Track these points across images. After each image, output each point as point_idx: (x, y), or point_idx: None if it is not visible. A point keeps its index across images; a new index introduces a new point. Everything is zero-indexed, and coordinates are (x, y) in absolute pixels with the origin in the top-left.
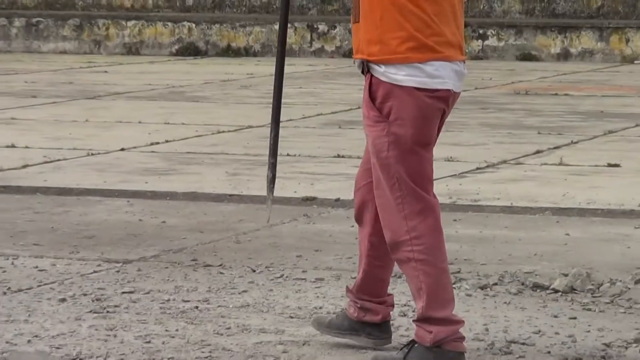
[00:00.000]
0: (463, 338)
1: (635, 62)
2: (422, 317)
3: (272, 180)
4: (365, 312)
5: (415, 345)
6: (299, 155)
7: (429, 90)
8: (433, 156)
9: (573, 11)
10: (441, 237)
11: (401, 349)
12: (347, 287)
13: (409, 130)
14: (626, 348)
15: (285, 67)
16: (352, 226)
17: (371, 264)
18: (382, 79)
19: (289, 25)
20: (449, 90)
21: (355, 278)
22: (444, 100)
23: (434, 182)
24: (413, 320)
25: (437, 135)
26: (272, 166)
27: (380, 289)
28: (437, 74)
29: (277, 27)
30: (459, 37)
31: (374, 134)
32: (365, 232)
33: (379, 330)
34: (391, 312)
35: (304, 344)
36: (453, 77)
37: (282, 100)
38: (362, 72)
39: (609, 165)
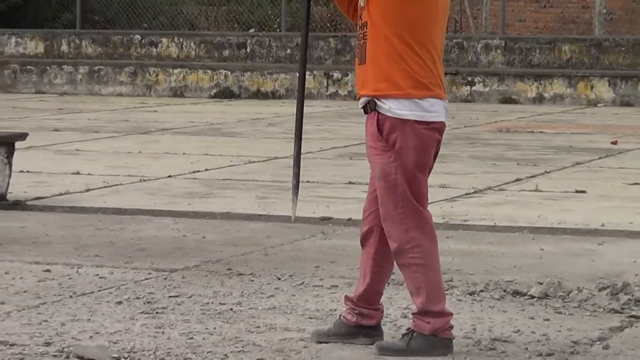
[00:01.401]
0: (452, 327)
1: (599, 105)
2: (422, 310)
3: (296, 186)
4: (362, 317)
5: (415, 334)
6: (317, 182)
7: (427, 122)
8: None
9: (546, 62)
10: (435, 244)
11: (402, 338)
12: (345, 296)
13: (412, 157)
14: (591, 345)
15: (305, 108)
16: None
17: (374, 279)
18: (388, 114)
19: (308, 72)
20: (441, 122)
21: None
22: (438, 130)
23: (430, 204)
24: (412, 313)
25: (433, 162)
26: (296, 175)
27: (376, 299)
28: (432, 109)
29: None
30: (443, 80)
31: (382, 161)
32: (370, 252)
33: (374, 330)
34: (382, 317)
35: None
36: (443, 111)
37: (304, 136)
38: (365, 111)
39: (577, 191)
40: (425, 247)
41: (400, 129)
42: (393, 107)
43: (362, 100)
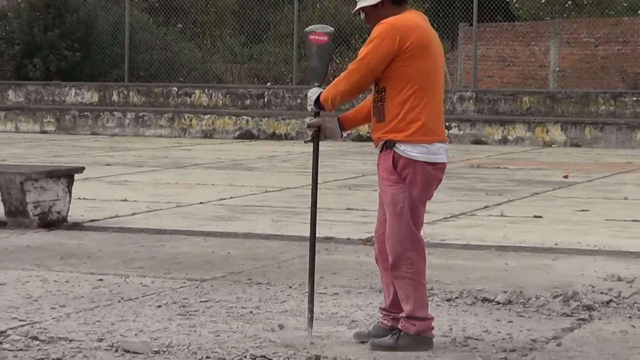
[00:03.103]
0: (433, 328)
1: (553, 145)
2: (410, 315)
3: (310, 319)
4: (397, 321)
5: (402, 333)
6: (321, 208)
7: (433, 163)
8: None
9: (510, 111)
10: (425, 263)
11: (391, 336)
12: (380, 307)
13: (417, 191)
14: (547, 343)
15: (310, 148)
16: (358, 257)
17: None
18: (403, 155)
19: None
20: (444, 162)
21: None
22: (441, 170)
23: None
24: (401, 316)
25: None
26: (310, 310)
27: None
28: (437, 152)
29: (307, 119)
30: (444, 123)
31: (393, 191)
32: (386, 267)
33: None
34: None
35: (325, 338)
36: (444, 153)
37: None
38: (381, 150)
39: (535, 216)
40: (417, 265)
41: (412, 167)
42: (407, 150)
43: (380, 142)
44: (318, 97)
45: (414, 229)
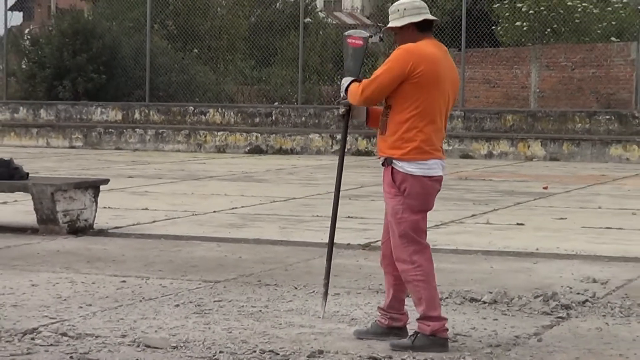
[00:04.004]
0: (447, 329)
1: (533, 160)
2: (423, 316)
3: (325, 294)
4: (393, 320)
5: (419, 334)
6: (324, 216)
7: (429, 176)
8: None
9: (495, 128)
10: (432, 266)
11: (409, 338)
12: (378, 306)
13: (416, 202)
14: (529, 339)
15: (315, 161)
16: (357, 261)
17: (396, 290)
18: (401, 170)
19: (317, 134)
20: (440, 175)
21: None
22: (438, 181)
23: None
24: (417, 319)
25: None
26: (326, 285)
27: (401, 306)
28: (433, 166)
29: (311, 136)
30: (442, 144)
31: (393, 203)
32: (389, 271)
33: (402, 331)
34: (408, 320)
35: (327, 335)
36: (441, 168)
37: (315, 182)
38: (383, 164)
39: (517, 224)
40: (424, 268)
41: (409, 181)
42: (404, 166)
43: (382, 158)
44: (348, 86)
45: (415, 236)
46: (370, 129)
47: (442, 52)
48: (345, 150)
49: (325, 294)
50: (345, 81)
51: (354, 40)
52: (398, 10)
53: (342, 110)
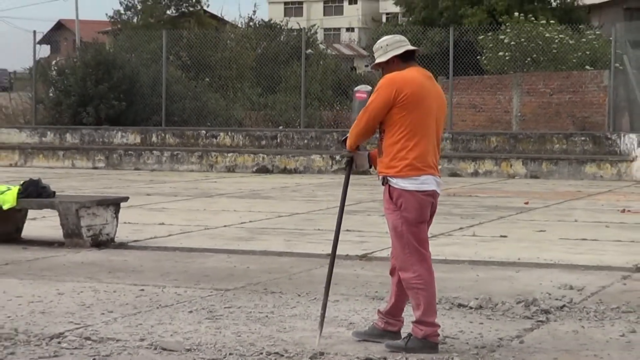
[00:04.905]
0: (438, 335)
1: (515, 177)
2: (419, 320)
3: (321, 323)
4: (389, 325)
5: (412, 337)
6: (324, 230)
7: (422, 191)
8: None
9: (480, 149)
10: (432, 275)
11: (402, 339)
12: (378, 310)
13: (412, 215)
14: (511, 341)
15: (316, 180)
16: (355, 270)
17: (397, 299)
18: (396, 187)
19: (318, 155)
20: (433, 190)
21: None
22: (432, 195)
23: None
24: (412, 322)
25: (432, 218)
26: (322, 316)
27: (398, 313)
28: (426, 182)
29: (313, 157)
30: (436, 163)
31: (392, 218)
32: (395, 281)
33: (396, 335)
34: (402, 326)
35: (327, 338)
36: (434, 183)
37: (316, 199)
38: (382, 183)
39: (501, 236)
40: (424, 277)
41: (405, 196)
42: (399, 182)
43: (380, 177)
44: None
45: (416, 246)
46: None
47: (425, 77)
48: (370, 168)
49: (321, 324)
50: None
51: (359, 94)
52: (382, 47)
53: (345, 161)
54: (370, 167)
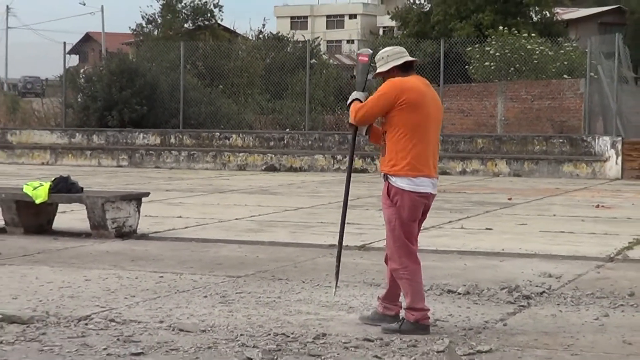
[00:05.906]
0: (429, 318)
1: (500, 176)
2: (409, 306)
3: (336, 274)
4: (387, 309)
5: (404, 320)
6: (327, 222)
7: (417, 192)
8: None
9: (468, 150)
10: (419, 266)
11: (397, 323)
12: (378, 296)
13: (406, 213)
14: (496, 323)
15: (318, 178)
16: (354, 259)
17: (392, 285)
18: (394, 185)
19: (321, 155)
20: (428, 193)
21: (350, 287)
22: (425, 197)
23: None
24: (404, 308)
25: (425, 215)
26: (337, 267)
27: (395, 298)
28: (422, 184)
29: (316, 157)
30: (435, 164)
31: (388, 212)
32: (389, 268)
33: (394, 318)
34: (400, 310)
35: (329, 320)
36: (430, 185)
37: (319, 195)
38: (384, 179)
39: (487, 229)
40: (410, 268)
41: (401, 194)
42: (397, 182)
43: (382, 174)
44: (352, 101)
45: (406, 241)
46: (364, 150)
47: (423, 84)
48: (344, 167)
49: (337, 274)
50: (351, 96)
51: (361, 57)
52: (382, 58)
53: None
54: (366, 134)
